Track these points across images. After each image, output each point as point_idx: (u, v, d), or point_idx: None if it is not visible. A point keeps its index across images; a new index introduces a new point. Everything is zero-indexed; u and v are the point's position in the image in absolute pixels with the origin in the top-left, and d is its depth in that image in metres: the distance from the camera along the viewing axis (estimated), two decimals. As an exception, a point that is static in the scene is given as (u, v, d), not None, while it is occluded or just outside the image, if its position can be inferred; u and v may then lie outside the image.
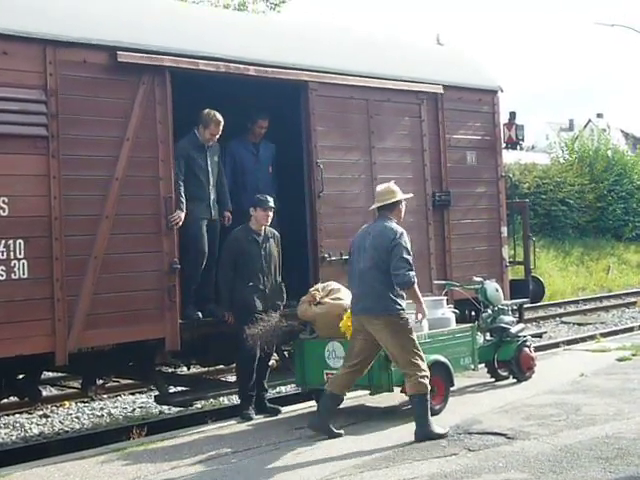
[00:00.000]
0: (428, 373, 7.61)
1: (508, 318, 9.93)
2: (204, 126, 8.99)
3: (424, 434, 7.39)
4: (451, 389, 8.52)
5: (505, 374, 9.87)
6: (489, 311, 9.85)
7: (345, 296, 8.49)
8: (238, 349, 8.33)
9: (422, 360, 7.61)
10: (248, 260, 8.58)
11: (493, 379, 9.68)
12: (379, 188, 7.98)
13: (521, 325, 10.53)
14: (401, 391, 8.25)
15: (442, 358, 8.39)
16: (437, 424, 7.52)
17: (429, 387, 7.61)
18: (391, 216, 7.78)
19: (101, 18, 8.32)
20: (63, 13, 8.07)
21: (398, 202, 7.83)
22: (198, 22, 9.30)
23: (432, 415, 7.80)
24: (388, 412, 8.57)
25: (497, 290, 9.94)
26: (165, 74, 8.45)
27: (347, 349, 7.91)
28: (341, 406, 8.73)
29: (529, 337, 10.24)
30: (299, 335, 8.56)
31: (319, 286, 8.69)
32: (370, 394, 8.42)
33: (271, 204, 8.74)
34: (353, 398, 8.98)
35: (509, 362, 9.76)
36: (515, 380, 9.65)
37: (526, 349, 9.73)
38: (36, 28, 7.68)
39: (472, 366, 9.04)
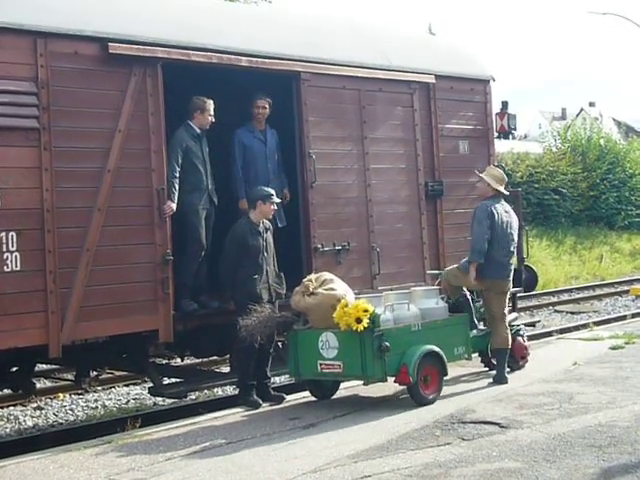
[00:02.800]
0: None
1: (501, 307, 9.93)
2: (202, 111, 9.01)
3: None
4: (445, 378, 8.53)
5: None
6: (482, 300, 9.85)
7: (338, 287, 8.49)
8: (239, 339, 8.29)
9: None
10: (252, 252, 8.59)
11: (487, 368, 9.69)
12: (501, 171, 9.51)
13: (514, 314, 10.54)
14: (395, 381, 8.28)
15: (436, 348, 8.40)
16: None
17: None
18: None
19: (92, 9, 8.28)
20: (54, 4, 8.03)
21: None
22: (190, 13, 9.26)
23: (425, 404, 8.20)
24: (382, 402, 8.57)
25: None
26: (157, 65, 8.43)
27: (486, 309, 9.32)
28: (335, 396, 8.79)
29: (522, 326, 10.23)
30: (293, 326, 8.56)
31: (312, 277, 8.69)
32: (364, 384, 8.42)
33: (276, 198, 8.86)
34: (347, 388, 9.00)
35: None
36: (508, 369, 9.66)
37: (519, 338, 9.73)
38: (27, 19, 7.64)
39: (466, 355, 9.05)
